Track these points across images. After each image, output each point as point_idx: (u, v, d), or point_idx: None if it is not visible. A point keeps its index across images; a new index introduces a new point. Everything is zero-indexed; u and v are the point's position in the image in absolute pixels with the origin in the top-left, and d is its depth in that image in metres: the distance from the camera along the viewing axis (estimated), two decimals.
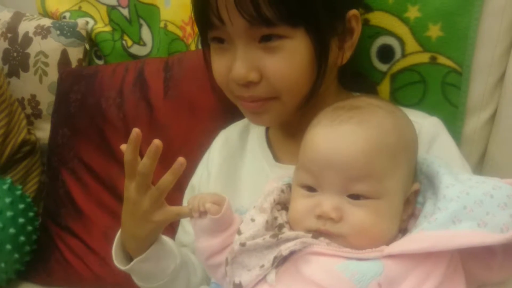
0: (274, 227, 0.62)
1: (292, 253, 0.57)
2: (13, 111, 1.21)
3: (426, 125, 0.72)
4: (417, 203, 0.62)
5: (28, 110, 1.27)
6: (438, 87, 0.80)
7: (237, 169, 0.84)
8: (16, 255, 1.05)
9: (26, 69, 1.24)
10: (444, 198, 0.56)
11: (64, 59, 1.22)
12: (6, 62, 1.26)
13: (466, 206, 0.54)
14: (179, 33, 1.11)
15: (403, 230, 0.60)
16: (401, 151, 0.60)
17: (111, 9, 1.24)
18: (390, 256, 0.55)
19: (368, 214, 0.57)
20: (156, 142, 0.64)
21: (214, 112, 0.97)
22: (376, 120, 0.60)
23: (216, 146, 0.88)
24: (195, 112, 1.00)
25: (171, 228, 0.87)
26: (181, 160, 0.65)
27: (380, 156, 0.58)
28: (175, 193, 0.75)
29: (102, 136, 1.10)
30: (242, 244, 0.59)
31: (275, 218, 0.62)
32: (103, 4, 1.26)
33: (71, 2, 1.32)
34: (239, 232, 0.61)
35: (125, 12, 1.22)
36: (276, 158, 0.81)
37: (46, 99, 1.25)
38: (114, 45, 1.24)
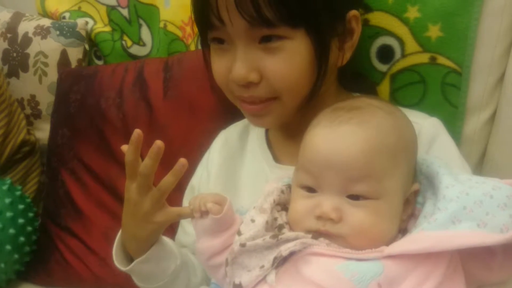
0: (274, 228, 0.62)
1: (292, 254, 0.57)
2: (12, 111, 1.21)
3: (426, 125, 0.72)
4: (417, 203, 0.62)
5: (28, 111, 1.27)
6: (438, 88, 0.80)
7: (237, 170, 0.84)
8: (16, 256, 1.05)
9: (25, 69, 1.24)
10: (444, 199, 0.56)
11: (63, 59, 1.22)
12: (5, 62, 1.26)
13: (466, 207, 0.54)
14: (179, 33, 1.11)
15: (403, 231, 0.60)
16: (401, 151, 0.60)
17: (110, 9, 1.24)
18: (390, 257, 0.55)
19: (368, 214, 0.57)
20: (158, 143, 0.64)
21: (214, 113, 0.97)
22: (375, 120, 0.60)
23: (216, 147, 0.88)
24: (195, 112, 1.00)
25: (171, 229, 0.87)
26: (182, 161, 0.65)
27: (380, 156, 0.58)
28: (175, 194, 0.75)
29: (101, 136, 1.10)
30: (242, 245, 0.59)
31: (275, 219, 0.62)
32: (103, 4, 1.26)
33: (71, 2, 1.32)
34: (239, 233, 0.61)
35: (125, 12, 1.22)
36: (276, 158, 0.81)
37: (46, 100, 1.25)
38: (114, 45, 1.24)
